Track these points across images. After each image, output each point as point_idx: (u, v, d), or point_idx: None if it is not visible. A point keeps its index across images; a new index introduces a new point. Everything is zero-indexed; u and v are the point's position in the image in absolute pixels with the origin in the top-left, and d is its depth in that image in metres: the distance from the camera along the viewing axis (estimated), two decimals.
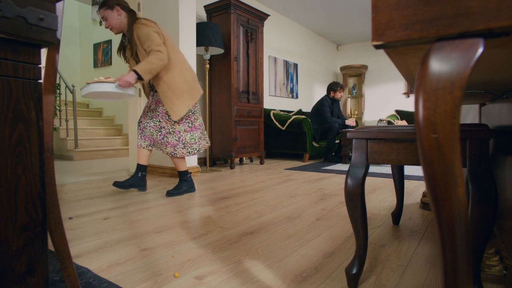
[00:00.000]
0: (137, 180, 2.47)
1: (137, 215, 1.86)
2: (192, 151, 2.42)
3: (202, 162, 4.23)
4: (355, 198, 0.96)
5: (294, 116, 4.63)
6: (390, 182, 2.91)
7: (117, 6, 2.26)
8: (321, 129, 4.76)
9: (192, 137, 2.41)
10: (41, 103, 0.57)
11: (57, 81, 5.20)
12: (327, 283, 1.04)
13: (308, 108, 6.65)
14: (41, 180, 0.57)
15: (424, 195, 2.00)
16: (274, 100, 5.77)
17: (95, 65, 6.85)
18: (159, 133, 2.38)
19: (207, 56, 3.75)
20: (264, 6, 5.45)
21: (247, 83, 4.18)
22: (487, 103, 1.56)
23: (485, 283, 1.02)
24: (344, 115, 6.34)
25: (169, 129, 2.36)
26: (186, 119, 2.39)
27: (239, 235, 1.51)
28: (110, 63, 6.54)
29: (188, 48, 3.30)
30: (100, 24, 5.46)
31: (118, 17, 2.28)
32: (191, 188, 2.47)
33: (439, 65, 0.34)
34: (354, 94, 7.59)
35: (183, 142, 2.37)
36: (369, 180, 3.04)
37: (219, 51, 3.86)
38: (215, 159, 4.31)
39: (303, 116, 4.58)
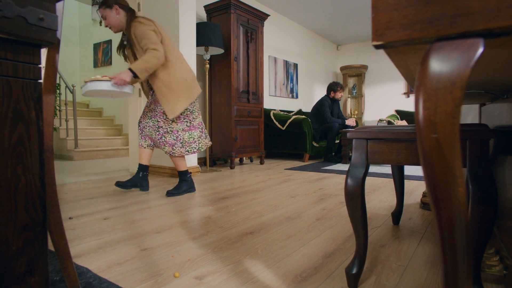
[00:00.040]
0: (139, 180, 2.48)
1: (137, 215, 1.86)
2: (191, 150, 2.42)
3: (202, 162, 4.23)
4: (355, 198, 0.96)
5: (294, 116, 4.63)
6: (390, 182, 2.91)
7: (115, 5, 2.27)
8: (321, 129, 4.76)
9: (190, 136, 2.41)
10: (41, 103, 0.57)
11: (57, 81, 5.21)
12: (327, 283, 1.04)
13: (308, 108, 6.65)
14: (41, 180, 0.57)
15: (424, 195, 2.00)
16: (274, 100, 5.77)
17: (95, 65, 6.85)
18: (157, 133, 2.38)
19: (207, 56, 3.75)
20: (264, 6, 5.45)
21: (247, 83, 4.18)
22: (487, 103, 1.56)
23: (485, 283, 1.02)
24: (344, 115, 6.34)
25: (166, 128, 2.36)
26: (184, 118, 2.39)
27: (239, 235, 1.51)
28: (110, 63, 6.54)
29: (188, 48, 3.30)
30: (100, 24, 5.45)
31: (117, 16, 2.29)
32: (191, 188, 2.47)
33: (439, 65, 0.34)
34: (354, 94, 7.59)
35: (181, 141, 2.37)
36: (369, 180, 3.04)
37: (219, 51, 3.86)
38: (215, 159, 4.31)
39: (303, 116, 4.58)
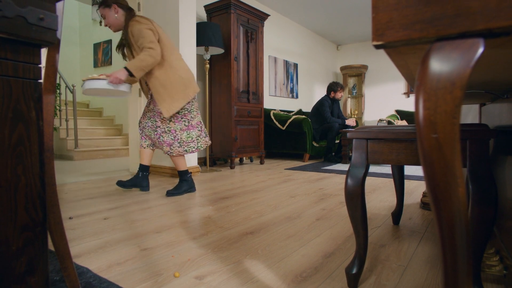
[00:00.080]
0: (139, 180, 2.49)
1: (137, 215, 1.86)
2: (189, 150, 2.42)
3: (202, 162, 4.23)
4: (355, 198, 0.96)
5: (294, 116, 4.63)
6: (390, 182, 2.91)
7: (114, 4, 2.29)
8: (321, 129, 4.76)
9: (188, 135, 2.40)
10: (41, 103, 0.57)
11: (57, 81, 5.21)
12: (327, 283, 1.04)
13: (308, 108, 6.65)
14: (41, 180, 0.57)
15: (424, 195, 2.00)
16: (274, 100, 5.77)
17: (95, 65, 6.85)
18: (155, 133, 2.39)
19: (207, 56, 3.75)
20: (264, 6, 5.45)
21: (247, 83, 4.18)
22: (487, 103, 1.56)
23: (485, 283, 1.02)
24: (344, 115, 6.34)
25: (164, 128, 2.37)
26: (182, 118, 2.39)
27: (239, 235, 1.51)
28: (110, 63, 6.54)
29: (188, 48, 3.30)
30: (100, 24, 5.45)
31: (115, 15, 2.30)
32: (191, 188, 2.47)
33: (439, 65, 0.34)
34: (354, 94, 7.59)
35: (179, 141, 2.38)
36: (369, 180, 3.04)
37: (219, 51, 3.86)
38: (215, 159, 4.31)
39: (303, 116, 4.58)
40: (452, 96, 0.33)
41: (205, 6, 4.09)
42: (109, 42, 6.55)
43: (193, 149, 2.44)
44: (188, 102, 2.39)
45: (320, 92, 7.21)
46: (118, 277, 1.08)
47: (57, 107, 5.26)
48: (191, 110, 2.42)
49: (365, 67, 7.38)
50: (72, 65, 7.10)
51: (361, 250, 1.00)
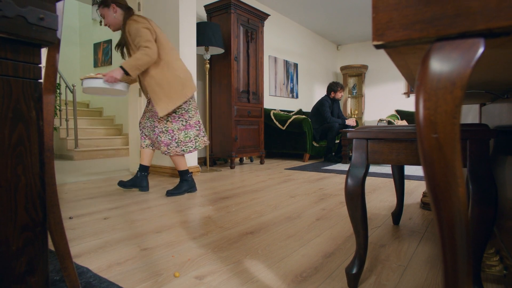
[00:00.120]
0: (138, 180, 2.49)
1: (137, 215, 1.86)
2: (186, 150, 2.42)
3: (202, 162, 4.23)
4: (355, 198, 0.96)
5: (294, 116, 4.63)
6: (390, 182, 2.91)
7: (113, 4, 2.30)
8: (321, 129, 4.76)
9: (186, 135, 2.40)
10: (41, 103, 0.57)
11: (57, 81, 5.21)
12: (327, 283, 1.04)
13: (308, 108, 6.65)
14: (41, 180, 0.57)
15: (424, 195, 2.00)
16: (274, 100, 5.77)
17: (95, 64, 6.85)
18: (153, 133, 2.40)
19: (207, 56, 3.75)
20: (264, 6, 5.45)
21: (247, 83, 4.17)
22: (487, 103, 1.56)
23: (485, 283, 1.02)
24: (344, 115, 6.34)
25: (162, 128, 2.37)
26: (179, 118, 2.39)
27: (239, 235, 1.51)
28: (111, 63, 6.54)
29: (188, 48, 3.29)
30: (101, 24, 5.46)
31: (114, 14, 2.31)
32: (192, 188, 2.47)
33: (440, 65, 0.34)
34: (354, 94, 7.59)
35: (177, 140, 2.38)
36: (369, 180, 3.04)
37: (219, 51, 3.85)
38: (215, 159, 4.31)
39: (303, 116, 4.58)
40: (453, 96, 0.33)
41: (205, 6, 4.09)
42: (109, 42, 6.55)
43: (191, 149, 2.43)
44: (185, 102, 2.38)
45: (320, 92, 7.21)
46: (118, 277, 1.08)
47: (57, 107, 5.26)
48: (189, 110, 2.42)
49: (365, 67, 7.38)
50: (72, 65, 7.10)
51: (361, 250, 1.00)
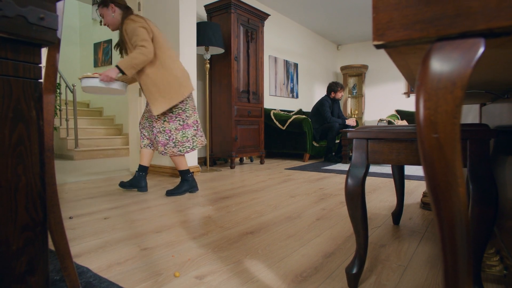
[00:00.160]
0: (136, 180, 2.49)
1: (137, 214, 1.86)
2: (183, 150, 2.41)
3: (202, 161, 4.23)
4: (356, 198, 0.96)
5: (294, 116, 4.63)
6: (390, 182, 2.91)
7: (111, 3, 2.31)
8: (321, 129, 4.76)
9: (184, 135, 2.40)
10: (41, 103, 0.57)
11: (58, 81, 5.21)
12: (327, 283, 1.04)
13: (308, 108, 6.65)
14: (41, 179, 0.57)
15: (424, 195, 2.00)
16: (274, 100, 5.77)
17: (96, 64, 6.85)
18: (151, 132, 2.41)
19: (208, 56, 3.75)
20: (265, 5, 5.45)
21: (248, 82, 4.17)
22: (487, 103, 1.56)
23: (485, 283, 1.02)
24: (344, 115, 6.34)
25: (159, 128, 2.37)
26: (176, 117, 2.38)
27: (239, 235, 1.51)
28: (111, 63, 6.54)
29: (188, 48, 3.29)
30: (101, 24, 5.45)
31: (112, 14, 2.32)
32: (193, 188, 2.47)
33: (440, 65, 0.34)
34: (354, 94, 7.58)
35: (174, 140, 2.37)
36: (369, 180, 3.04)
37: (219, 50, 3.85)
38: (215, 158, 4.31)
39: (303, 116, 4.58)
40: (453, 96, 0.33)
41: (205, 6, 4.09)
42: (109, 41, 6.55)
43: (188, 149, 2.43)
44: (182, 101, 2.38)
45: (320, 92, 7.21)
46: (118, 277, 1.08)
47: (57, 107, 5.26)
48: (186, 109, 2.41)
49: (365, 67, 7.38)
50: (72, 64, 7.10)
51: (361, 250, 1.00)
